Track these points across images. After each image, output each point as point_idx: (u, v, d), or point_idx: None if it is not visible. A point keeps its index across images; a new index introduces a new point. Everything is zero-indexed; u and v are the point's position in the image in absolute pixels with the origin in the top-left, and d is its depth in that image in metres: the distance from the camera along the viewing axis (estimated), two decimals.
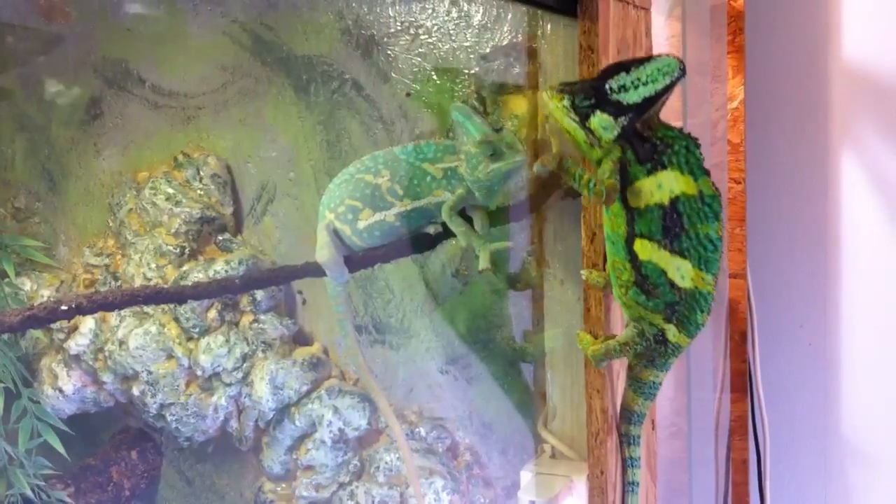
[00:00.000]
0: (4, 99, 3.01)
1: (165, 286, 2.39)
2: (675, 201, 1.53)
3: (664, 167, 1.53)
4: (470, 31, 2.32)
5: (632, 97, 1.50)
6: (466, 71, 2.32)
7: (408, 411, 2.62)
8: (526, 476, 2.19)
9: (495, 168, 1.98)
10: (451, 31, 2.34)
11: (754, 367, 2.27)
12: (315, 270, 2.17)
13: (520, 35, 2.24)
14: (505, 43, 2.26)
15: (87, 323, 2.77)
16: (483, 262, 2.03)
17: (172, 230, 2.71)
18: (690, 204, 1.53)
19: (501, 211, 2.14)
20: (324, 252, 2.18)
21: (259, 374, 2.65)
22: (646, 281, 1.59)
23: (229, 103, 2.69)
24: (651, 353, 1.67)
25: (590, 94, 1.53)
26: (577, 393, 2.17)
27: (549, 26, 2.17)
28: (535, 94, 2.19)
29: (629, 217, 1.56)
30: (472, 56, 2.31)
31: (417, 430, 2.58)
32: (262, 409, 2.66)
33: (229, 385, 2.69)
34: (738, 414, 2.31)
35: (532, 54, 2.19)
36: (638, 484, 1.85)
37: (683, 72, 1.50)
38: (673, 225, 1.54)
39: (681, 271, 1.56)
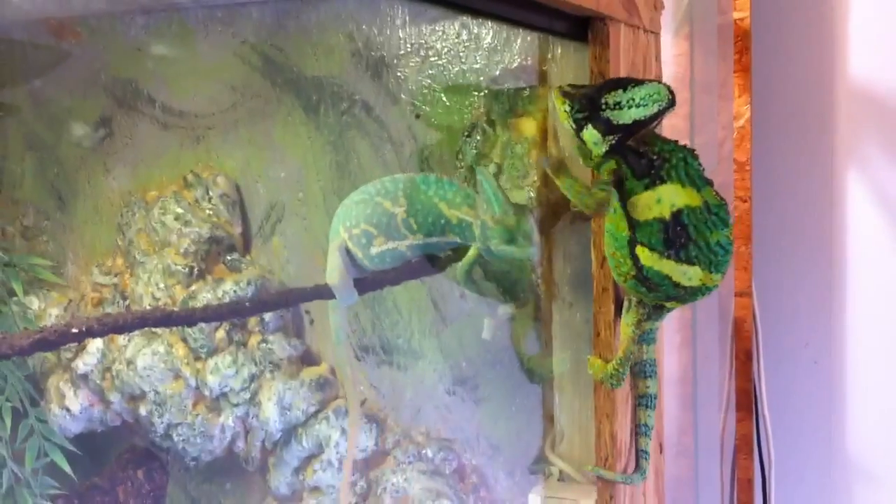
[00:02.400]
0: (14, 116, 3.02)
1: (175, 309, 2.39)
2: (677, 214, 1.53)
3: (663, 181, 1.53)
4: (480, 53, 2.33)
5: (622, 117, 1.52)
6: (476, 93, 2.33)
7: (415, 432, 2.61)
8: (534, 499, 2.18)
9: (506, 250, 1.98)
10: (461, 54, 2.35)
11: (759, 385, 2.28)
12: (325, 293, 2.17)
13: (529, 58, 2.24)
14: (515, 66, 2.27)
15: (95, 342, 2.77)
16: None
17: (181, 250, 2.72)
18: (696, 215, 1.53)
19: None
20: (335, 274, 2.18)
21: (266, 394, 2.65)
22: (647, 281, 1.59)
23: (239, 123, 2.70)
24: (650, 311, 1.69)
25: (585, 107, 1.55)
26: (586, 416, 2.17)
27: (559, 49, 2.17)
28: (544, 119, 2.19)
29: (631, 224, 1.57)
30: (481, 78, 2.32)
31: (424, 451, 2.58)
32: (270, 430, 2.66)
33: (236, 405, 2.70)
34: (743, 433, 2.32)
35: (542, 77, 2.19)
36: (649, 453, 1.85)
37: (673, 102, 1.51)
38: (677, 237, 1.54)
39: (688, 275, 1.56)
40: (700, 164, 1.54)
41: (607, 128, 1.53)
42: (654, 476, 2.08)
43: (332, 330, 2.42)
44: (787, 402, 2.36)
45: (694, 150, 1.54)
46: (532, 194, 2.17)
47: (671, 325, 2.43)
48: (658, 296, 1.61)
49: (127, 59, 2.84)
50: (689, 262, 1.55)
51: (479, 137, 2.29)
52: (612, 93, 1.52)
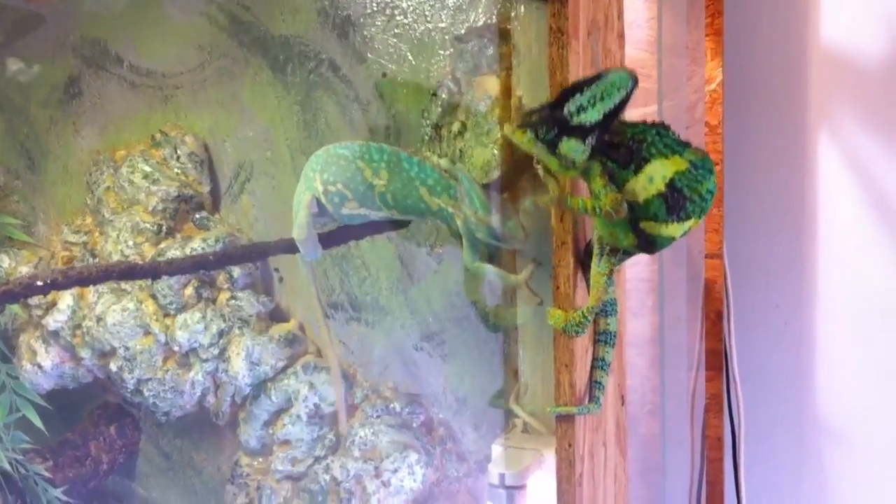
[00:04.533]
0: None
1: (140, 262, 2.41)
2: (671, 183, 1.56)
3: (647, 161, 1.56)
4: (445, 12, 2.34)
5: (592, 116, 1.51)
6: (441, 52, 2.35)
7: (383, 387, 2.65)
8: (497, 450, 2.23)
9: (493, 243, 2.02)
10: (427, 13, 2.36)
11: (730, 346, 2.29)
12: (289, 247, 2.19)
13: (494, 17, 2.26)
14: (479, 24, 2.28)
15: (66, 299, 2.79)
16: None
17: (150, 208, 2.73)
18: (686, 176, 1.55)
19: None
20: (300, 229, 2.21)
21: (235, 350, 2.68)
22: (652, 246, 1.63)
23: (207, 83, 2.71)
24: (621, 257, 1.72)
25: (551, 125, 1.54)
26: (547, 369, 2.21)
27: (522, 8, 2.19)
28: (508, 76, 2.21)
29: (630, 206, 1.59)
30: (446, 37, 2.34)
31: (392, 405, 2.62)
32: (239, 385, 2.69)
33: (206, 361, 2.72)
34: (713, 392, 2.33)
35: (505, 36, 2.21)
36: (604, 386, 1.88)
37: (636, 82, 1.51)
38: (676, 203, 1.57)
39: (685, 227, 1.60)
40: (673, 133, 1.57)
41: (583, 132, 1.53)
42: (616, 428, 2.12)
43: (306, 290, 2.45)
44: (757, 363, 2.39)
45: (663, 123, 1.56)
46: (496, 152, 2.20)
47: (642, 288, 2.46)
48: (653, 250, 1.65)
49: (95, 20, 2.83)
50: (688, 217, 1.58)
51: (444, 96, 2.31)
52: (572, 99, 1.52)
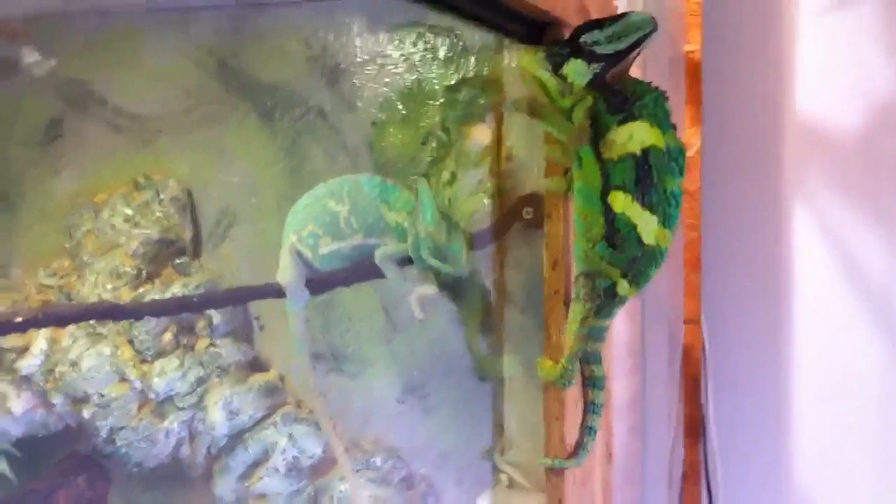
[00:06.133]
0: None
1: (122, 302, 2.36)
2: (646, 152, 1.55)
3: (634, 118, 1.56)
4: (436, 62, 2.35)
5: (605, 49, 1.54)
6: (432, 101, 2.35)
7: (364, 441, 2.61)
8: None
9: (432, 263, 2.03)
10: (418, 63, 2.37)
11: (707, 412, 2.29)
12: (275, 291, 2.17)
13: (485, 67, 2.27)
14: (470, 74, 2.29)
15: (39, 343, 2.72)
16: (418, 313, 2.09)
17: (130, 252, 2.69)
18: (659, 157, 1.55)
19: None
20: (286, 273, 2.19)
21: (213, 398, 2.63)
22: (616, 234, 1.60)
23: (192, 127, 2.69)
24: (600, 305, 1.69)
25: (565, 46, 1.57)
26: (535, 422, 2.18)
27: (513, 61, 2.20)
28: (498, 126, 2.22)
29: (603, 170, 1.59)
30: (437, 87, 2.34)
31: (373, 459, 2.57)
32: (216, 435, 2.63)
33: (182, 410, 2.67)
34: (692, 459, 2.32)
35: (496, 85, 2.22)
36: (596, 431, 1.84)
37: (655, 27, 1.54)
38: (644, 176, 1.56)
39: (648, 227, 1.58)
40: (669, 107, 1.57)
41: (590, 57, 1.55)
42: (602, 486, 2.09)
43: (293, 339, 2.42)
44: (735, 429, 2.38)
45: (665, 92, 1.57)
46: (487, 200, 2.19)
47: (621, 352, 2.44)
48: (622, 259, 1.62)
49: (80, 61, 2.81)
50: (651, 208, 1.57)
51: (434, 145, 2.31)
52: (590, 33, 1.55)
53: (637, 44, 1.55)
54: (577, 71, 1.57)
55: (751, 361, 2.38)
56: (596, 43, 1.55)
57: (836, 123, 2.26)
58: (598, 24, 1.56)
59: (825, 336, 2.31)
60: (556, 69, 1.58)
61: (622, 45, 1.55)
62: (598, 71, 1.56)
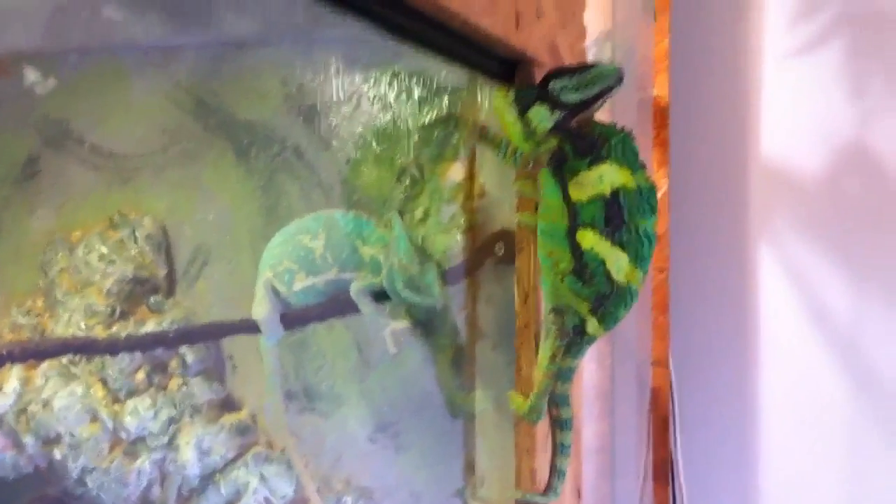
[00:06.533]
0: None
1: (98, 337, 2.35)
2: (615, 193, 1.57)
3: (603, 159, 1.58)
4: (410, 101, 2.37)
5: (570, 97, 1.57)
6: (406, 139, 2.37)
7: (335, 480, 2.58)
8: None
9: (406, 295, 2.05)
10: (392, 102, 2.40)
11: (676, 455, 2.29)
12: (250, 327, 2.17)
13: (458, 105, 2.30)
14: (444, 113, 2.32)
15: (12, 383, 2.70)
16: (391, 346, 2.10)
17: (104, 290, 2.68)
18: (630, 197, 1.57)
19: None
20: (260, 308, 2.19)
21: (185, 438, 2.61)
22: (584, 269, 1.61)
23: (168, 165, 2.70)
24: (569, 343, 1.69)
25: (532, 91, 1.60)
26: (506, 458, 2.17)
27: (486, 101, 2.23)
28: (471, 164, 2.24)
29: (571, 210, 1.60)
30: (411, 125, 2.37)
31: (344, 499, 2.55)
32: (187, 475, 2.61)
33: (154, 450, 2.64)
34: (661, 501, 2.31)
35: (470, 124, 2.24)
36: (565, 473, 1.83)
37: (621, 79, 1.57)
38: (614, 216, 1.58)
39: (618, 264, 1.59)
40: (636, 147, 1.60)
41: (554, 105, 1.58)
42: None
43: (266, 377, 2.41)
44: (704, 471, 2.38)
45: (631, 132, 1.60)
46: (459, 237, 2.20)
47: (590, 395, 2.45)
48: (591, 293, 1.63)
49: (59, 99, 2.82)
50: (622, 246, 1.58)
51: (407, 182, 2.32)
52: (559, 79, 1.58)
53: (602, 94, 1.59)
54: (541, 116, 1.60)
55: (719, 403, 2.39)
56: (563, 90, 1.58)
57: (802, 166, 2.30)
58: (569, 71, 1.60)
59: (792, 377, 2.32)
60: (523, 112, 1.61)
61: (588, 95, 1.58)
62: (560, 118, 1.60)
